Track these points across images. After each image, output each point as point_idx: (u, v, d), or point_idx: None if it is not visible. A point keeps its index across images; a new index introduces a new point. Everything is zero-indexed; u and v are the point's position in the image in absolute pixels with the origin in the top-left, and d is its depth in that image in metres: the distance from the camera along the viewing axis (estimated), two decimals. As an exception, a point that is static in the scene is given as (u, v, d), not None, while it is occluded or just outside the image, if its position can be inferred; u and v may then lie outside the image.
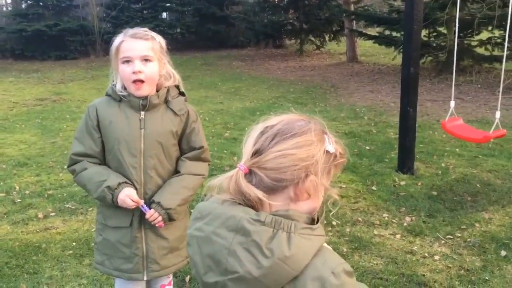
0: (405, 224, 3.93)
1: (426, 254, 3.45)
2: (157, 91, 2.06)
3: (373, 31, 15.16)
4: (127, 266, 2.09)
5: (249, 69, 14.42)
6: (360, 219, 4.03)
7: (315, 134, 1.06)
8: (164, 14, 21.24)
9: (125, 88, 2.04)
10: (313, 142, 1.05)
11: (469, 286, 3.05)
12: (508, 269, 3.23)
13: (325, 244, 1.07)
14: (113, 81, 2.09)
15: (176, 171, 2.13)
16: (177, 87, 2.13)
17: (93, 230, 3.68)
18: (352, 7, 14.98)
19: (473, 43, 11.28)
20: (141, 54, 1.95)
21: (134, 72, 1.94)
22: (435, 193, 4.49)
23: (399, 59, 10.86)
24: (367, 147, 6.01)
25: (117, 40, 1.98)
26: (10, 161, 5.79)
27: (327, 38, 17.34)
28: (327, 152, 1.06)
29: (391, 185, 4.74)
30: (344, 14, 14.72)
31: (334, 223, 3.93)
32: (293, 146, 1.03)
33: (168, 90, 2.07)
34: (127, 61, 1.95)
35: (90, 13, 18.77)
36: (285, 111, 1.17)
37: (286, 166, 1.03)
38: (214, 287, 1.03)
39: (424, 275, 3.18)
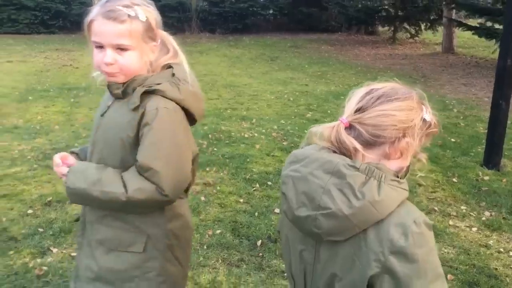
0: (483, 218, 3.84)
1: (502, 250, 3.38)
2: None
3: (474, 21, 14.38)
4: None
5: (337, 54, 14.29)
6: (436, 208, 3.99)
7: (416, 101, 1.17)
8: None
9: None
10: (414, 108, 1.16)
11: (544, 285, 2.97)
12: None
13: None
14: None
15: None
16: (173, 74, 1.58)
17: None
18: (453, -5, 14.26)
19: None
20: (114, 42, 1.48)
21: (105, 63, 1.49)
22: (520, 191, 4.32)
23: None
24: (453, 139, 5.84)
25: (90, 15, 1.50)
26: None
27: (422, 26, 16.67)
28: (424, 120, 1.17)
29: (474, 179, 4.61)
30: (443, 2, 14.05)
31: (408, 209, 3.93)
32: (395, 108, 1.14)
33: (147, 78, 1.54)
34: (99, 47, 1.50)
35: (189, -9, 19.46)
36: (389, 79, 1.27)
37: (386, 125, 1.13)
38: (304, 220, 1.14)
39: (496, 268, 3.13)
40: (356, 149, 1.14)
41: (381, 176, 1.09)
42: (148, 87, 1.51)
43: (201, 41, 16.68)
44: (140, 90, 1.51)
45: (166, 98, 1.52)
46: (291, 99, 8.09)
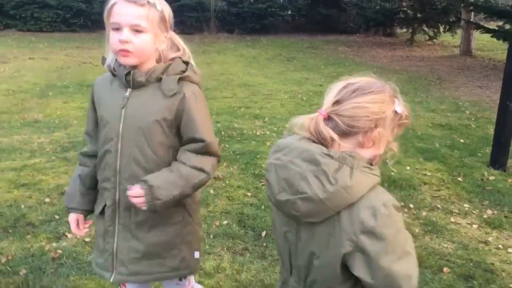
0: (485, 216, 3.91)
1: (501, 246, 3.45)
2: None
3: (493, 24, 14.27)
4: (99, 260, 1.86)
5: (354, 55, 14.33)
6: (439, 206, 4.07)
7: (389, 95, 1.28)
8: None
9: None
10: (386, 101, 1.27)
11: (539, 281, 3.04)
12: None
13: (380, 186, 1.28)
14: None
15: (168, 164, 1.74)
16: (186, 63, 1.76)
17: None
18: (472, -2, 14.19)
19: None
20: (131, 22, 1.61)
21: (120, 41, 1.61)
22: (524, 191, 4.38)
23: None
24: (462, 140, 5.89)
25: (111, 1, 1.64)
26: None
27: (441, 29, 16.61)
28: (396, 112, 1.28)
29: (479, 178, 4.67)
30: (462, 5, 13.99)
31: (411, 205, 4.03)
32: (369, 101, 1.25)
33: (168, 66, 1.71)
34: (116, 28, 1.63)
35: (208, -9, 19.66)
36: (365, 73, 1.38)
37: (360, 116, 1.24)
38: (284, 204, 1.27)
39: (493, 264, 3.21)
40: (332, 139, 1.25)
41: (353, 163, 1.20)
42: (181, 75, 1.71)
43: (219, 41, 16.86)
44: (175, 77, 1.69)
45: (193, 83, 1.74)
46: (305, 98, 8.20)
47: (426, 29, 16.70)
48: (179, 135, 1.75)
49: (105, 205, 1.80)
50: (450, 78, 10.83)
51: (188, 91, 1.70)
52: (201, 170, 1.72)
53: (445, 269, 3.10)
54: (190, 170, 1.70)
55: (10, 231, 3.44)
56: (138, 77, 1.69)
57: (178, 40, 1.79)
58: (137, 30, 1.62)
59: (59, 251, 3.17)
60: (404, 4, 17.49)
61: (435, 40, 16.66)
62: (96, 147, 1.85)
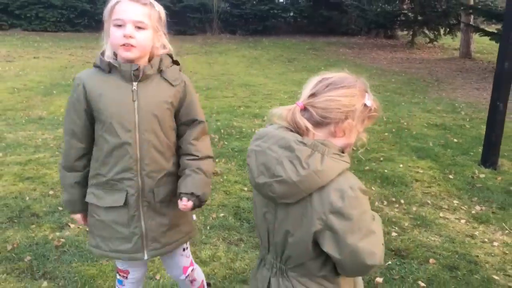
0: (473, 212, 4.05)
1: (486, 240, 3.58)
2: (149, 61, 1.91)
3: (493, 27, 14.40)
4: (125, 247, 1.98)
5: (354, 57, 14.48)
6: (429, 201, 4.21)
7: (359, 89, 1.40)
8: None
9: (115, 57, 1.89)
10: (356, 95, 1.39)
11: (521, 272, 3.18)
12: None
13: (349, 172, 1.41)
14: (103, 53, 1.92)
15: (175, 145, 2.02)
16: (171, 56, 1.97)
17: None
18: (471, 1, 14.33)
19: None
20: (135, 19, 1.79)
21: (124, 36, 1.77)
22: (512, 188, 4.52)
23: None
24: (455, 140, 6.03)
25: (113, 0, 1.81)
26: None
27: (441, 31, 16.75)
28: (365, 105, 1.40)
29: (469, 176, 4.81)
30: (462, 8, 14.13)
31: (402, 201, 4.17)
32: (341, 94, 1.37)
33: (161, 60, 1.91)
34: (119, 25, 1.79)
35: (211, -8, 19.82)
36: (340, 69, 1.49)
37: (332, 108, 1.36)
38: (262, 186, 1.40)
39: (477, 256, 3.34)
40: (307, 128, 1.38)
41: (324, 150, 1.33)
42: (177, 66, 1.99)
43: (222, 42, 17.02)
44: (175, 68, 1.97)
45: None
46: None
47: (426, 31, 16.86)
48: (177, 117, 2.00)
49: (127, 194, 1.92)
50: (449, 80, 10.96)
51: (186, 79, 1.99)
52: (210, 157, 2.07)
53: (431, 260, 3.23)
54: (206, 163, 2.03)
55: (16, 221, 3.60)
56: (148, 70, 1.86)
57: (164, 39, 1.95)
58: (139, 27, 1.79)
59: (62, 240, 3.32)
60: (405, 6, 17.64)
61: (435, 43, 16.82)
62: (86, 145, 1.95)
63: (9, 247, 3.21)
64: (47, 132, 5.91)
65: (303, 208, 1.35)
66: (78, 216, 2.09)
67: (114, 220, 1.95)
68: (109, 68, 1.86)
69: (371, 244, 1.32)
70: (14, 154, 5.07)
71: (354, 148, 1.50)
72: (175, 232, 2.05)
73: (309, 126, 1.37)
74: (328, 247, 1.33)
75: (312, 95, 1.39)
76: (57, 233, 3.43)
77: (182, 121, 2.01)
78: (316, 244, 1.36)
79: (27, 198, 3.98)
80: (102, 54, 1.89)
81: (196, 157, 2.00)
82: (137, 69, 1.84)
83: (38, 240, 3.33)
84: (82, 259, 3.10)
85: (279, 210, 1.42)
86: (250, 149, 1.46)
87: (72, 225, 3.53)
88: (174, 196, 2.01)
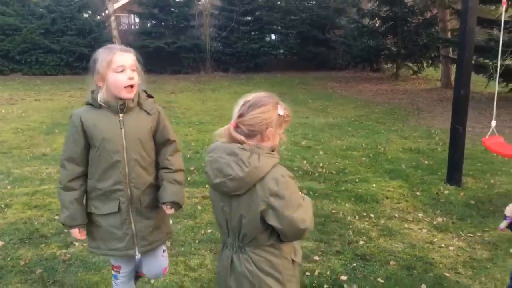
0: (435, 222, 4.53)
1: (443, 245, 4.06)
2: None
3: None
4: (120, 245, 2.43)
5: (341, 89, 15.17)
6: (396, 215, 4.70)
7: (272, 105, 1.91)
8: (273, 36, 22.57)
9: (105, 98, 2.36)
10: (270, 110, 1.90)
11: (470, 270, 3.64)
12: (511, 262, 3.74)
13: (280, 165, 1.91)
14: (92, 92, 2.40)
15: (155, 161, 2.50)
16: (145, 91, 2.47)
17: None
18: (449, 34, 15.15)
19: None
20: (131, 63, 2.32)
21: (129, 78, 2.29)
22: (473, 202, 5.01)
23: (491, 87, 11.04)
24: (426, 162, 6.56)
25: (107, 54, 2.32)
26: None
27: (424, 64, 17.55)
28: (279, 115, 1.92)
29: (435, 192, 5.32)
30: (439, 41, 14.93)
31: (372, 215, 4.65)
32: (259, 112, 1.87)
33: (139, 95, 2.40)
34: (121, 71, 2.29)
35: (204, 33, 20.60)
36: (257, 90, 1.98)
37: (256, 123, 1.87)
38: (219, 185, 1.89)
39: (433, 258, 3.81)
40: (242, 140, 1.87)
41: (259, 152, 1.83)
42: (151, 98, 2.49)
43: (215, 80, 17.73)
44: (151, 101, 2.47)
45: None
46: (289, 129, 8.88)
47: (410, 64, 17.65)
48: (154, 139, 2.50)
49: (119, 202, 2.39)
50: (428, 109, 11.59)
51: (160, 109, 2.51)
52: (181, 170, 2.56)
53: (392, 262, 3.70)
54: (180, 175, 2.52)
55: (26, 241, 4.06)
56: (130, 104, 2.37)
57: (143, 76, 2.46)
58: (133, 70, 2.33)
59: (68, 255, 3.79)
60: (388, 41, 18.49)
61: (419, 74, 17.58)
62: (83, 168, 2.40)
63: (22, 263, 3.67)
64: (50, 167, 6.40)
65: (250, 196, 1.84)
66: (76, 231, 2.44)
67: (110, 224, 2.41)
68: (99, 105, 2.35)
69: (302, 214, 1.82)
70: (22, 187, 5.55)
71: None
72: (158, 232, 2.53)
73: (243, 138, 1.86)
74: (272, 220, 1.82)
75: (240, 115, 1.87)
76: (64, 250, 3.89)
77: (159, 142, 2.50)
78: (263, 220, 1.85)
79: (36, 222, 4.45)
80: (92, 92, 2.39)
81: (171, 170, 2.49)
82: (122, 104, 2.33)
83: (47, 256, 3.79)
84: (86, 269, 3.56)
85: (233, 201, 1.90)
86: (206, 160, 1.96)
87: (76, 243, 3.99)
88: (156, 202, 2.49)
